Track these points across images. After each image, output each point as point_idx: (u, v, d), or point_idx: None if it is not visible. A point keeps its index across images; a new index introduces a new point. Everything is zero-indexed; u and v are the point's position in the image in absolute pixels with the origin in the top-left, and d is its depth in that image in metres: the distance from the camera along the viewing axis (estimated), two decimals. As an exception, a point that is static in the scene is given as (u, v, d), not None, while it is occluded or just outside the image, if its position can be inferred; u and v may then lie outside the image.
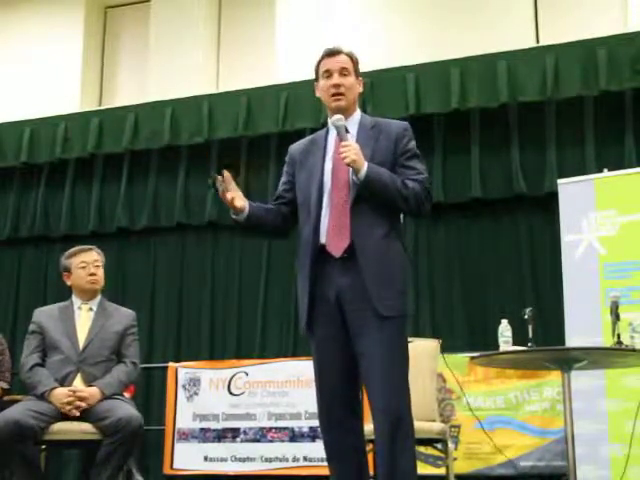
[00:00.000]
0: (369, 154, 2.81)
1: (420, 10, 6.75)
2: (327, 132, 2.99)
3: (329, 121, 2.97)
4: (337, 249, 2.78)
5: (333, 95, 2.91)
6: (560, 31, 6.26)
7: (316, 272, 2.80)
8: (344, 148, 2.76)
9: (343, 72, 2.92)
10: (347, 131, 2.85)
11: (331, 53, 2.94)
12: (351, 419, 2.81)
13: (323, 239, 2.80)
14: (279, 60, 7.03)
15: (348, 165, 2.75)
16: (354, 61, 2.96)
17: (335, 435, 2.80)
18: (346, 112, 2.91)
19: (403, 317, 2.77)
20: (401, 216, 2.93)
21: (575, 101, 5.80)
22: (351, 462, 2.80)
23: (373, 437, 2.80)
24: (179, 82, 7.18)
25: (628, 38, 5.69)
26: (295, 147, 3.11)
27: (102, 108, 7.46)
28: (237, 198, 2.84)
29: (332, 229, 2.80)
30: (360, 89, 2.99)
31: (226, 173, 2.83)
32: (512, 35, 6.38)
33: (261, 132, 6.54)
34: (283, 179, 3.10)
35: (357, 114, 2.98)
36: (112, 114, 7.04)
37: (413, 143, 2.91)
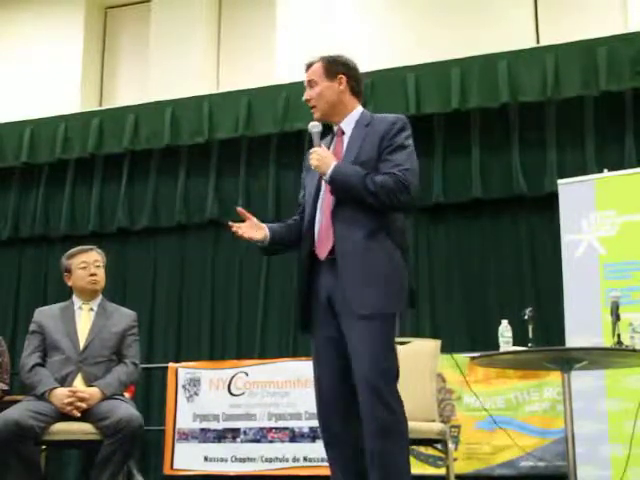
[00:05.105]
0: (355, 154, 2.86)
1: (420, 10, 6.75)
2: (332, 136, 3.02)
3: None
4: (322, 251, 2.84)
5: (310, 109, 2.98)
6: (560, 31, 6.26)
7: (311, 274, 2.86)
8: (311, 155, 2.85)
9: (310, 84, 2.97)
10: (323, 136, 2.92)
11: (306, 68, 3.00)
12: (350, 420, 2.81)
13: (315, 242, 2.87)
14: (279, 60, 7.03)
15: (315, 170, 2.84)
16: (325, 65, 2.94)
17: (333, 437, 2.82)
18: (336, 117, 2.96)
19: (386, 315, 2.74)
20: (398, 215, 2.90)
21: (575, 101, 5.80)
22: (351, 465, 2.81)
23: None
24: (179, 82, 7.18)
25: (628, 38, 5.68)
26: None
27: (102, 108, 7.46)
28: (254, 234, 2.90)
29: (321, 232, 2.86)
30: (340, 87, 2.94)
31: (240, 210, 2.94)
32: (512, 35, 6.38)
33: (261, 132, 6.54)
34: (302, 188, 3.13)
35: (355, 113, 2.98)
36: (112, 114, 7.04)
37: (401, 135, 2.86)
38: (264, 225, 2.96)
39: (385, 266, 2.76)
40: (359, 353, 2.71)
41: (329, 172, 2.79)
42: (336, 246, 2.78)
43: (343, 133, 2.96)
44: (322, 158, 2.82)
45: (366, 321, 2.70)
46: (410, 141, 2.89)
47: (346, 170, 2.80)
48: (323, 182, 2.88)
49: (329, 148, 2.96)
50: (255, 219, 2.96)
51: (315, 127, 2.91)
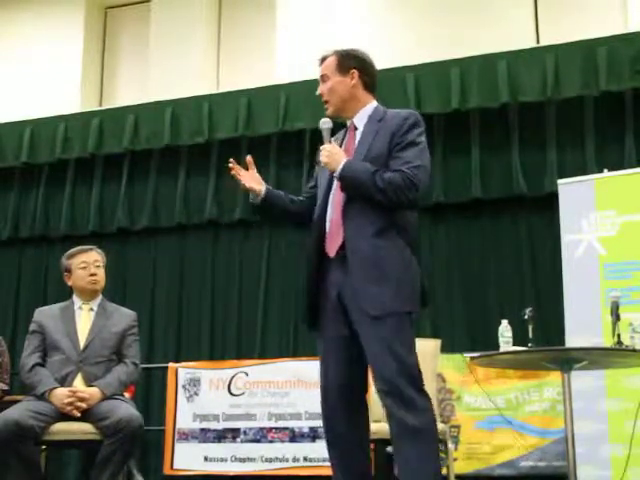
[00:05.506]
0: (366, 149, 2.83)
1: (420, 10, 6.75)
2: (345, 132, 3.00)
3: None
4: (332, 248, 2.81)
5: (324, 104, 2.97)
6: (560, 31, 6.26)
7: (319, 271, 2.83)
8: (320, 152, 2.84)
9: (323, 79, 2.96)
10: (333, 134, 2.92)
11: (320, 62, 2.98)
12: (355, 420, 2.79)
13: (325, 238, 2.84)
14: (279, 60, 7.03)
15: (325, 167, 2.83)
16: (338, 59, 2.93)
17: (337, 437, 2.79)
18: (349, 112, 2.95)
19: (399, 315, 2.70)
20: (409, 211, 2.87)
21: (575, 101, 5.79)
22: (353, 466, 2.78)
23: (377, 437, 2.78)
24: (179, 82, 7.18)
25: (628, 38, 5.68)
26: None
27: (102, 108, 7.46)
28: (253, 185, 2.95)
29: (331, 228, 2.83)
30: (352, 82, 2.92)
31: (249, 158, 2.97)
32: (512, 35, 6.39)
33: (261, 132, 6.53)
34: (313, 176, 3.13)
35: (368, 107, 2.95)
36: (112, 114, 7.04)
37: (413, 132, 2.83)
38: (264, 183, 2.98)
39: (396, 265, 2.73)
40: (375, 354, 2.67)
41: (339, 169, 2.77)
42: (346, 243, 2.75)
43: (356, 128, 2.93)
44: (331, 155, 2.80)
45: (380, 321, 2.67)
46: (422, 138, 2.85)
47: (356, 167, 2.77)
48: (334, 179, 2.85)
49: (342, 143, 2.94)
50: (257, 174, 2.98)
51: (325, 124, 2.89)
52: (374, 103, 2.97)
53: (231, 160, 2.96)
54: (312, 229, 2.91)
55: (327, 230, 2.84)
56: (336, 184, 2.86)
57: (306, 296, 2.86)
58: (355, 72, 2.92)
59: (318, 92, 2.96)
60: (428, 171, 2.82)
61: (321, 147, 2.85)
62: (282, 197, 3.02)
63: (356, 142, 2.90)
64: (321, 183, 2.96)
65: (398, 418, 2.63)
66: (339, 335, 2.79)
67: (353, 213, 2.77)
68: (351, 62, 2.92)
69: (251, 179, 2.96)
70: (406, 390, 2.63)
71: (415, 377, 2.68)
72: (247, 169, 2.99)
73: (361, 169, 2.76)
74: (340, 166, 2.77)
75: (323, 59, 2.96)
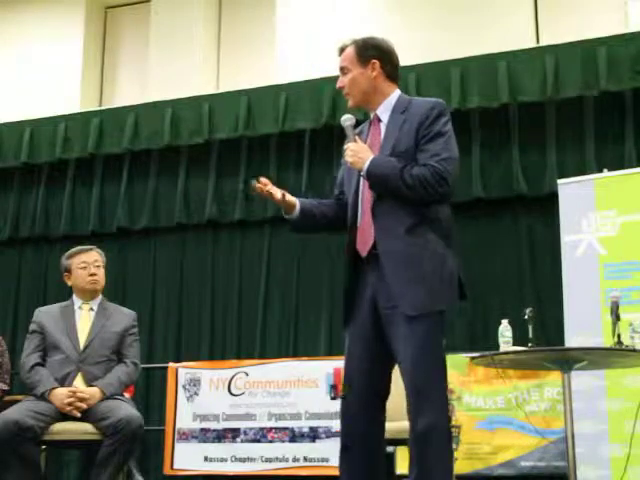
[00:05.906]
0: (392, 144, 2.76)
1: (420, 10, 6.75)
2: (369, 125, 2.92)
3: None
4: (363, 248, 2.76)
5: (344, 96, 2.90)
6: (560, 31, 6.26)
7: (356, 271, 2.79)
8: (345, 151, 2.77)
9: (343, 71, 2.87)
10: (355, 128, 2.84)
11: (338, 52, 2.90)
12: (372, 420, 2.75)
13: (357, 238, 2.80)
14: (279, 60, 7.04)
15: (351, 166, 2.77)
16: (357, 50, 2.84)
17: (356, 437, 2.73)
18: (371, 104, 2.87)
19: (433, 314, 2.65)
20: (440, 205, 2.78)
21: (575, 101, 5.79)
22: (364, 467, 2.73)
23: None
24: (179, 82, 7.19)
25: (628, 38, 5.68)
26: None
27: (102, 108, 7.46)
28: (287, 194, 2.84)
29: (362, 228, 2.78)
30: (373, 73, 2.82)
31: (263, 179, 2.83)
32: (512, 35, 6.38)
33: (261, 132, 6.53)
34: (340, 172, 3.04)
35: (391, 98, 2.86)
36: (112, 114, 7.04)
37: (439, 122, 2.74)
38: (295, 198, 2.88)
39: (430, 261, 2.66)
40: (407, 353, 2.62)
41: (365, 167, 2.70)
42: (377, 243, 2.70)
43: (380, 121, 2.85)
44: (356, 153, 2.73)
45: (415, 321, 2.61)
46: (448, 127, 2.76)
47: (382, 164, 2.70)
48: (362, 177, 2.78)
49: (366, 137, 2.87)
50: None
51: (347, 120, 2.80)
52: (397, 92, 2.88)
53: (264, 181, 2.82)
54: (347, 229, 2.85)
55: (358, 230, 2.79)
56: (363, 183, 2.79)
57: (345, 297, 2.81)
58: (376, 62, 2.83)
59: (338, 85, 2.88)
60: (456, 161, 2.73)
61: (345, 146, 2.77)
62: (317, 209, 2.91)
63: (382, 136, 2.82)
64: (350, 182, 2.88)
65: (420, 418, 2.58)
66: (366, 335, 2.75)
67: (382, 211, 2.71)
68: (371, 52, 2.83)
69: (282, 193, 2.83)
70: (431, 389, 2.61)
71: (443, 378, 2.65)
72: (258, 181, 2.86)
73: (388, 166, 2.69)
74: (366, 164, 2.70)
75: (342, 49, 2.87)
